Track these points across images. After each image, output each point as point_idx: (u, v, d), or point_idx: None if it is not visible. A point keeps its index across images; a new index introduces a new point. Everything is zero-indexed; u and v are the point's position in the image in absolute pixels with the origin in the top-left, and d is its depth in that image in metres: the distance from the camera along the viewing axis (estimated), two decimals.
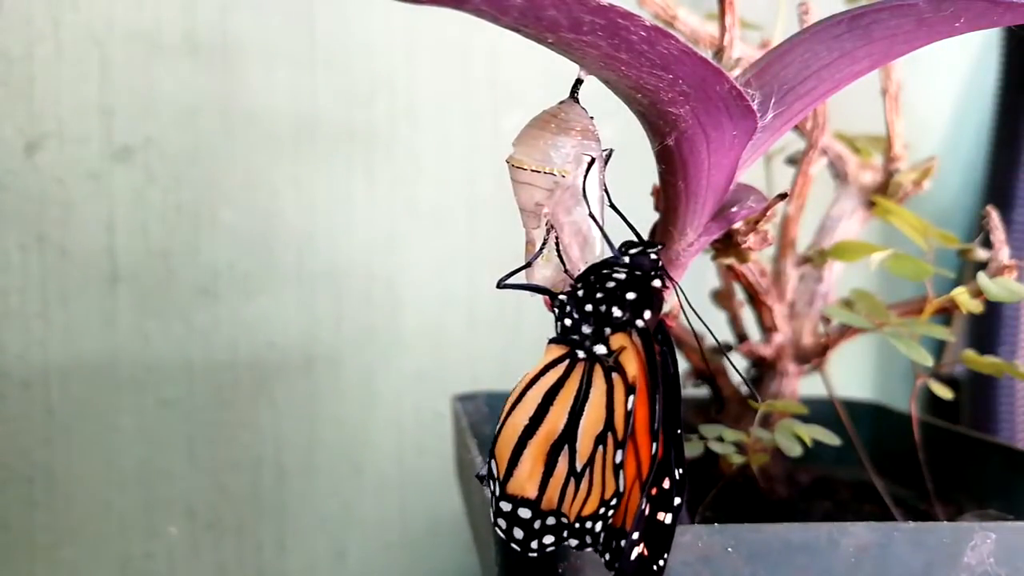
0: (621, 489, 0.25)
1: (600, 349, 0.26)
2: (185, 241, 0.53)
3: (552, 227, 0.27)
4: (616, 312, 0.26)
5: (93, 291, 0.52)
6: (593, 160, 0.26)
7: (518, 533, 0.26)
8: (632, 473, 0.25)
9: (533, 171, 0.26)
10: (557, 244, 0.27)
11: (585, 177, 0.26)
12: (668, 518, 0.25)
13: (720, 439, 0.34)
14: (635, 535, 0.25)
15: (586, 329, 0.26)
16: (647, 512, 0.25)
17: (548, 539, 0.26)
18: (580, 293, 0.26)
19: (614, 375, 0.25)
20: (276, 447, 0.55)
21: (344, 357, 0.56)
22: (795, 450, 0.34)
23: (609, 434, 0.25)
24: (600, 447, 0.25)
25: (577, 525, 0.26)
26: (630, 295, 0.26)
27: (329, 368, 0.55)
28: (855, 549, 0.27)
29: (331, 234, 0.55)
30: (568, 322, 0.26)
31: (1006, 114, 0.59)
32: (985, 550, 0.27)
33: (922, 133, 0.61)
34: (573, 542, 0.26)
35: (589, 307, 0.26)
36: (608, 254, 0.27)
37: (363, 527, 0.57)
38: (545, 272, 0.27)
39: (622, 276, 0.26)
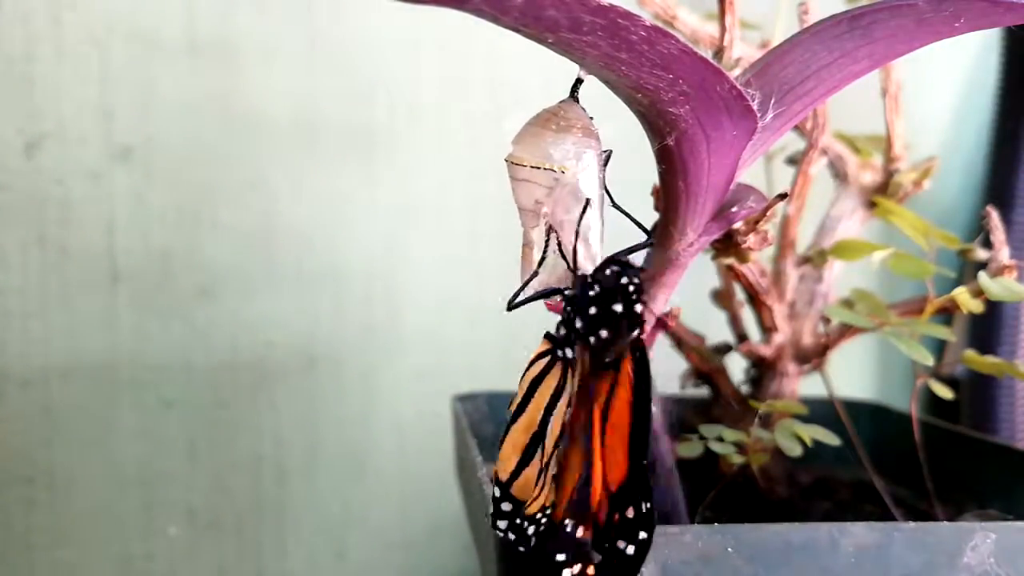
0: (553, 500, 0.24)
1: (570, 353, 0.25)
2: (185, 241, 0.53)
3: (551, 229, 0.27)
4: (578, 323, 0.25)
5: (93, 291, 0.52)
6: (593, 159, 0.26)
7: (489, 508, 0.26)
8: (599, 490, 0.24)
9: (532, 167, 0.26)
10: (559, 245, 0.27)
11: (599, 175, 0.26)
12: (631, 548, 0.24)
13: (720, 439, 0.34)
14: (560, 556, 0.23)
15: (563, 330, 0.26)
16: (578, 535, 0.23)
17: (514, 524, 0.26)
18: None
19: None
20: (276, 447, 0.55)
21: (344, 357, 0.56)
22: (795, 450, 0.34)
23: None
24: (556, 450, 0.25)
25: (517, 520, 0.25)
26: (592, 310, 0.24)
27: (329, 368, 0.55)
28: (855, 549, 0.27)
29: (331, 234, 0.55)
30: (561, 318, 0.26)
31: (1006, 114, 0.59)
32: (985, 550, 0.27)
33: (922, 133, 0.61)
34: (512, 536, 0.26)
35: (570, 309, 0.26)
36: (606, 254, 0.27)
37: (363, 527, 0.57)
38: (542, 276, 0.27)
39: (597, 289, 0.25)
